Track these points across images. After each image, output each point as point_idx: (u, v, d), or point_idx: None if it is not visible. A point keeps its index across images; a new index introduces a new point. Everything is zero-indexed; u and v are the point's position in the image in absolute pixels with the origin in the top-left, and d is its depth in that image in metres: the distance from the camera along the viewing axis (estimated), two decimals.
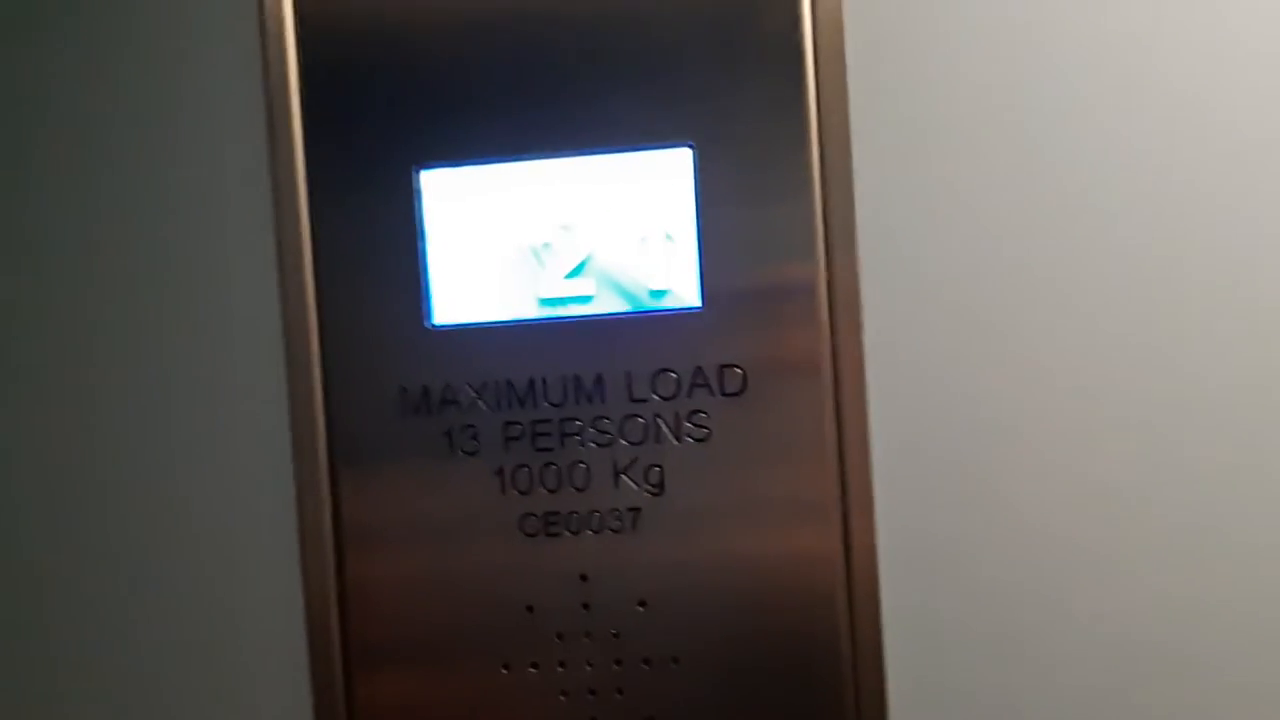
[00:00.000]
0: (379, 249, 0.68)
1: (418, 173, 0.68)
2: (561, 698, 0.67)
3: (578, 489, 0.67)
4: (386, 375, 0.68)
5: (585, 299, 0.67)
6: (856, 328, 0.66)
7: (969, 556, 0.66)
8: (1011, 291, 0.65)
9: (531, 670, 0.68)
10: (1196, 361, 0.64)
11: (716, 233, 0.66)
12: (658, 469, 0.67)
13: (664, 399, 0.67)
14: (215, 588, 0.71)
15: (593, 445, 0.67)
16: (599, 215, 0.67)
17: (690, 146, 0.66)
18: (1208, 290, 0.64)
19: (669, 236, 0.66)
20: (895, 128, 0.66)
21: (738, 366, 0.66)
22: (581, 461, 0.67)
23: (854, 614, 0.66)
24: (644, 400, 0.67)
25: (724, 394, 0.66)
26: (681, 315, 0.66)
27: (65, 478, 0.72)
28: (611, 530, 0.67)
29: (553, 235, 0.67)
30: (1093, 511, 0.65)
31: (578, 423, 0.67)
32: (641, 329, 0.67)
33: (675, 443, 0.66)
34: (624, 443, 0.67)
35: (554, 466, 0.67)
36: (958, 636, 0.66)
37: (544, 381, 0.67)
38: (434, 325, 0.68)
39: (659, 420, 0.67)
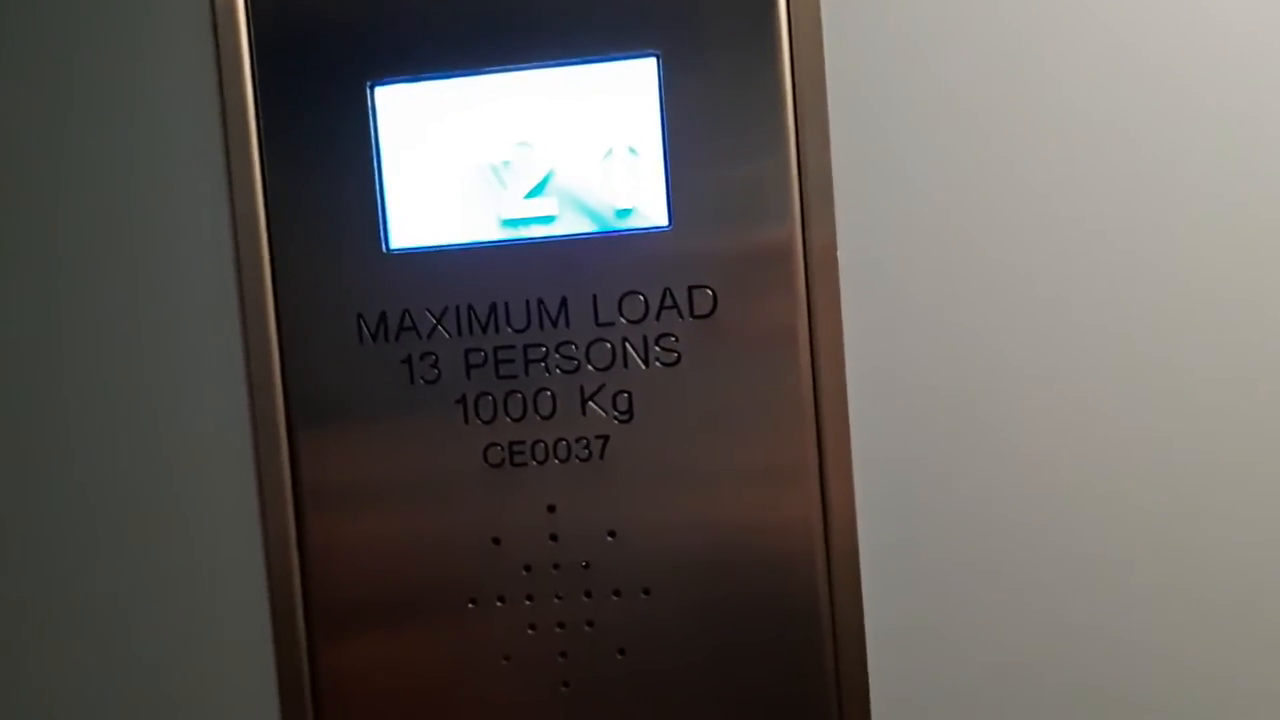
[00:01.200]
0: (332, 171, 0.65)
1: (372, 89, 0.65)
2: (529, 631, 0.66)
3: (543, 417, 0.65)
4: (343, 302, 0.65)
5: (547, 219, 0.64)
6: (830, 233, 0.63)
7: (947, 473, 0.64)
8: (996, 212, 0.62)
9: (498, 604, 0.66)
10: (1172, 294, 0.62)
11: (684, 147, 0.63)
12: (626, 395, 0.64)
13: (631, 322, 0.64)
14: (172, 524, 0.69)
15: (558, 372, 0.65)
16: (560, 131, 0.64)
17: (655, 56, 0.63)
18: (1193, 205, 0.61)
19: (634, 152, 0.64)
20: (869, 31, 0.63)
21: (708, 287, 0.63)
22: (546, 389, 0.65)
23: (830, 539, 0.64)
24: (610, 324, 0.64)
25: (694, 316, 0.64)
26: (648, 235, 0.64)
27: (3, 435, 0.69)
28: (579, 459, 0.65)
29: (512, 153, 0.64)
30: (1075, 447, 0.63)
31: (542, 348, 0.65)
32: (607, 250, 0.64)
33: (644, 367, 0.64)
34: (590, 368, 0.64)
35: (518, 394, 0.65)
36: (936, 559, 0.64)
37: (506, 306, 0.65)
38: (391, 250, 0.65)
39: (627, 344, 0.64)
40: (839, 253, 0.63)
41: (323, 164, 0.65)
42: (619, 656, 0.65)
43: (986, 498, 0.63)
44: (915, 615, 0.64)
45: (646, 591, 0.65)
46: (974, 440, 0.63)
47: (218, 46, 0.66)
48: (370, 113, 0.65)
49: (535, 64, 0.64)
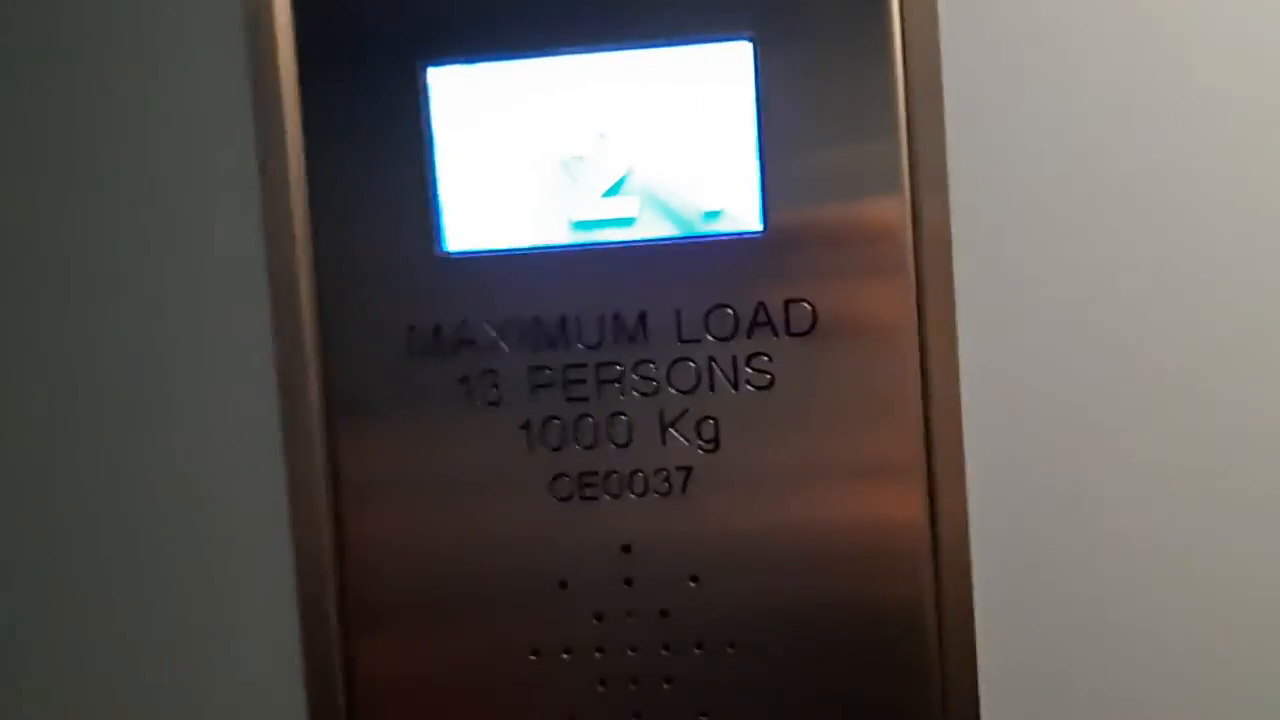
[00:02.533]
0: (381, 162, 0.58)
1: (425, 70, 0.57)
2: (600, 688, 0.58)
3: (618, 445, 0.57)
4: (392, 312, 0.58)
5: (626, 221, 0.57)
6: (946, 249, 0.56)
7: (1069, 525, 0.57)
8: (1129, 201, 0.55)
9: (565, 656, 0.58)
10: None
11: (780, 143, 0.56)
12: (712, 422, 0.57)
13: (719, 339, 0.57)
14: (201, 551, 0.61)
15: (635, 394, 0.57)
16: (641, 122, 0.56)
17: (750, 39, 0.55)
18: None
19: (725, 147, 0.56)
20: (989, 12, 0.56)
21: (805, 301, 0.56)
22: (622, 413, 0.57)
23: (940, 590, 0.57)
24: (695, 341, 0.57)
25: (789, 333, 0.56)
26: (739, 241, 0.56)
27: (32, 430, 0.62)
28: (658, 493, 0.57)
29: (586, 146, 0.57)
30: (1205, 477, 0.56)
31: (618, 367, 0.57)
32: (692, 257, 0.57)
33: (732, 391, 0.57)
34: (672, 391, 0.57)
35: (590, 419, 0.57)
36: (1056, 616, 0.57)
37: (577, 319, 0.57)
38: (446, 252, 0.57)
39: (713, 364, 0.57)
40: (955, 279, 0.56)
41: (370, 155, 0.58)
42: (701, 719, 0.57)
43: (1123, 549, 0.56)
44: (1035, 673, 0.57)
45: (733, 645, 0.57)
46: (1105, 458, 0.56)
47: (253, 24, 0.58)
48: (423, 98, 0.57)
49: (614, 45, 0.56)
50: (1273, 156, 0.55)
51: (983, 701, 0.57)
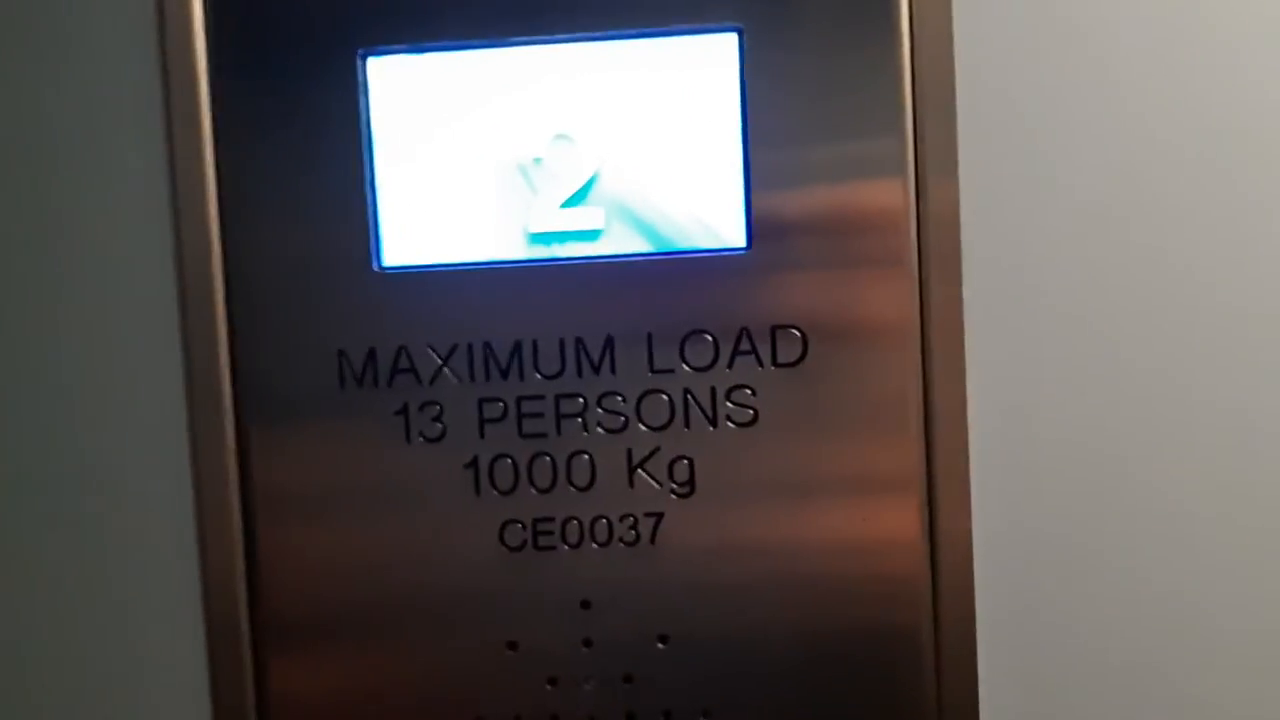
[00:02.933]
0: (310, 165, 0.50)
1: (363, 61, 0.50)
2: None
3: (579, 488, 0.51)
4: (321, 335, 0.51)
5: (591, 235, 0.50)
6: (954, 273, 0.50)
7: (1080, 558, 0.52)
8: (1152, 202, 0.50)
9: None
10: None
11: (770, 148, 0.49)
12: (686, 462, 0.50)
13: (696, 370, 0.50)
14: (106, 568, 0.54)
15: (599, 430, 0.51)
16: (608, 122, 0.50)
17: (737, 30, 0.49)
18: None
19: (706, 152, 0.50)
20: (1005, 5, 0.50)
21: (794, 328, 0.50)
22: (584, 452, 0.51)
23: (940, 649, 0.51)
24: (669, 371, 0.50)
25: (775, 364, 0.50)
26: (720, 259, 0.50)
27: None
28: (623, 543, 0.51)
29: (547, 148, 0.50)
30: (1224, 495, 0.51)
31: (579, 400, 0.51)
32: (666, 276, 0.50)
33: (710, 428, 0.50)
34: (642, 428, 0.51)
35: (547, 458, 0.51)
36: (1064, 649, 0.52)
37: (534, 345, 0.50)
38: (384, 268, 0.50)
39: (689, 398, 0.50)
40: (963, 294, 0.50)
41: (298, 158, 0.50)
42: None
43: (1136, 576, 0.51)
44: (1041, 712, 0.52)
45: (706, 714, 0.51)
46: (1121, 472, 0.51)
47: (161, 6, 0.51)
48: (360, 92, 0.50)
49: (578, 35, 0.50)
50: None
51: None
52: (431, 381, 0.51)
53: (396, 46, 0.50)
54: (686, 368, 0.50)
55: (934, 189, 0.49)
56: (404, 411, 0.51)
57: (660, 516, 0.51)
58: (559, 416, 0.51)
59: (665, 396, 0.50)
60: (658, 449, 0.51)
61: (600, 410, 0.51)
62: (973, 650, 0.51)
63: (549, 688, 0.51)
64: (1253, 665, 0.52)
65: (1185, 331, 0.51)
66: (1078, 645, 0.52)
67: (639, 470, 0.51)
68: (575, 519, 0.51)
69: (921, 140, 0.49)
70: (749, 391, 0.50)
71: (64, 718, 0.54)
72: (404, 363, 0.51)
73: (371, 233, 0.50)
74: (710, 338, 0.50)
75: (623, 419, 0.51)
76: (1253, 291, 0.50)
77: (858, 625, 0.51)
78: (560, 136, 0.50)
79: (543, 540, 0.51)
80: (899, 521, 0.50)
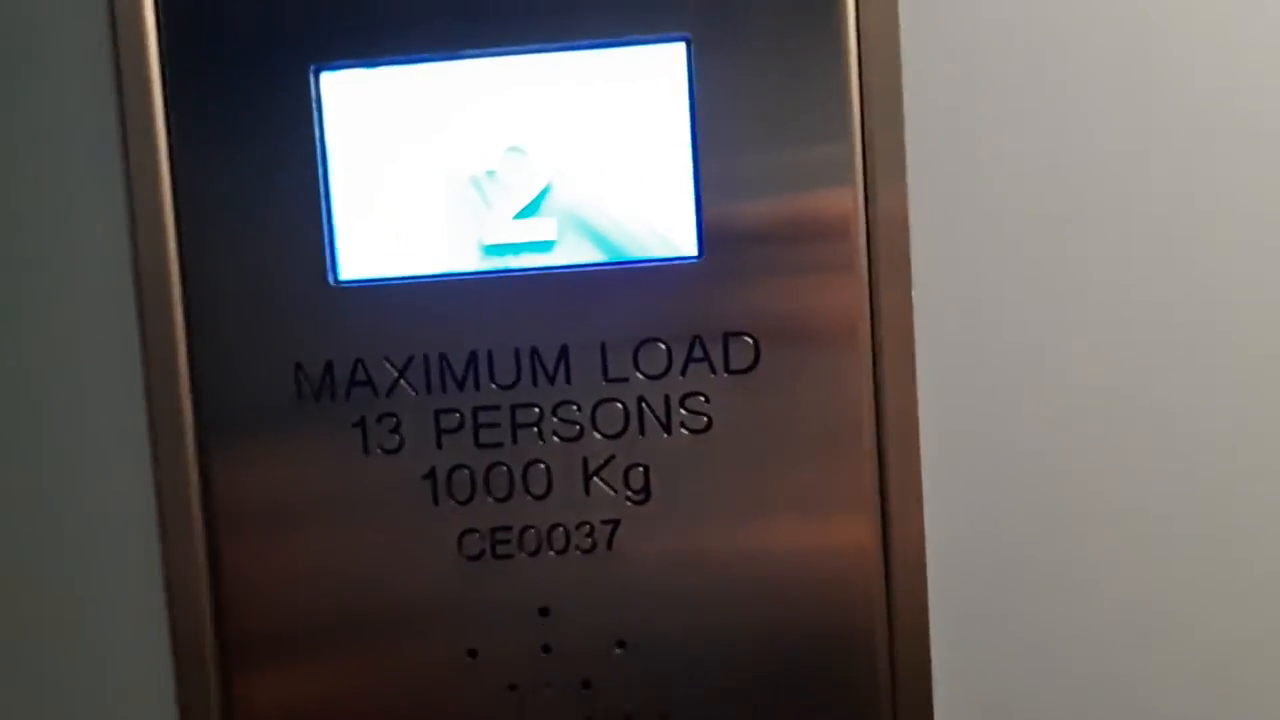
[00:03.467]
0: (265, 179, 0.51)
1: (316, 75, 0.50)
2: None
3: (536, 497, 0.51)
4: (277, 348, 0.51)
5: (544, 246, 0.51)
6: (904, 277, 0.50)
7: (1031, 562, 0.52)
8: (1099, 202, 0.51)
9: None
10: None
11: (720, 157, 0.50)
12: (641, 469, 0.51)
13: (649, 378, 0.51)
14: (70, 586, 0.54)
15: (555, 440, 0.51)
16: (560, 133, 0.50)
17: (685, 40, 0.49)
18: None
19: (656, 162, 0.50)
20: (952, 18, 0.50)
21: (747, 335, 0.50)
22: (540, 461, 0.51)
23: (893, 650, 0.51)
24: (623, 380, 0.51)
25: (729, 371, 0.50)
26: (672, 268, 0.50)
27: None
28: (580, 550, 0.51)
29: (500, 160, 0.50)
30: (1175, 503, 0.52)
31: (535, 410, 0.51)
32: (619, 285, 0.50)
33: (664, 435, 0.51)
34: (597, 436, 0.51)
35: (503, 468, 0.51)
36: (1018, 654, 0.52)
37: (489, 356, 0.51)
38: (340, 281, 0.51)
39: (643, 406, 0.51)
40: (913, 301, 0.50)
41: (251, 170, 0.51)
42: None
43: (1087, 580, 0.52)
44: (995, 705, 0.52)
45: (664, 717, 0.51)
46: (1073, 478, 0.52)
47: (114, 21, 0.51)
48: (315, 105, 0.50)
49: (530, 47, 0.50)
50: (1235, 148, 0.50)
51: None
52: (388, 393, 0.51)
53: (349, 61, 0.51)
54: (640, 376, 0.51)
55: (883, 194, 0.50)
56: (361, 424, 0.51)
57: (616, 523, 0.51)
58: (515, 426, 0.51)
59: (620, 405, 0.51)
60: (613, 457, 0.51)
61: (555, 419, 0.51)
62: (926, 654, 0.51)
63: (509, 693, 0.52)
64: (1203, 668, 0.52)
65: (1133, 335, 0.51)
66: (1030, 648, 0.52)
67: (595, 478, 0.51)
68: (533, 527, 0.51)
69: (870, 146, 0.50)
70: (702, 399, 0.51)
71: None
72: (360, 375, 0.51)
73: (327, 246, 0.51)
74: (663, 346, 0.50)
75: (578, 427, 0.51)
76: (1200, 295, 0.51)
77: (813, 629, 0.51)
78: (512, 149, 0.50)
79: (501, 549, 0.51)
80: (852, 527, 0.51)
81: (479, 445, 0.51)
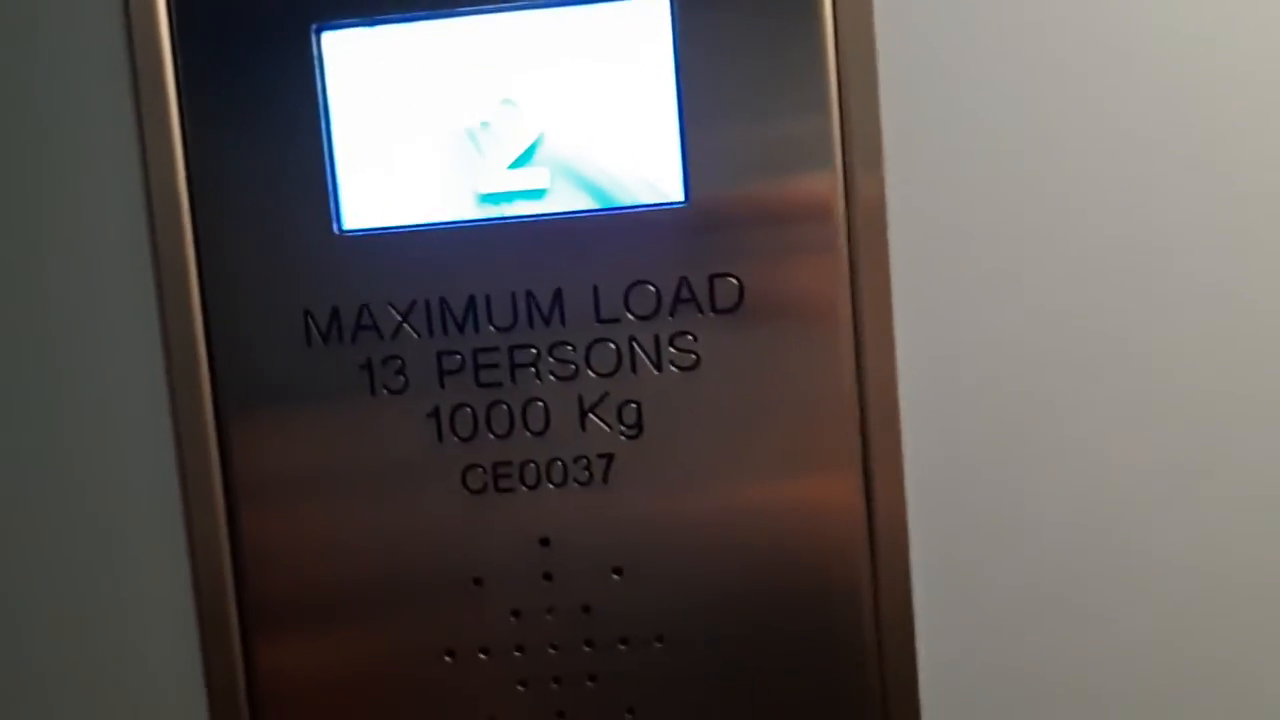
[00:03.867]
0: (270, 136, 0.53)
1: (318, 34, 0.53)
2: (520, 688, 0.55)
3: (534, 433, 0.54)
4: (286, 296, 0.54)
5: (537, 194, 0.53)
6: (880, 218, 0.53)
7: (1010, 509, 0.54)
8: (1074, 173, 0.53)
9: (481, 656, 0.55)
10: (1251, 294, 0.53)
11: (703, 106, 0.52)
12: (634, 406, 0.53)
13: (640, 318, 0.53)
14: (92, 554, 0.57)
15: (552, 379, 0.54)
16: (552, 86, 0.53)
17: None
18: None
19: (644, 113, 0.52)
20: None
21: (732, 276, 0.53)
22: (538, 399, 0.54)
23: (877, 569, 0.54)
24: (615, 321, 0.53)
25: (715, 311, 0.53)
26: (660, 213, 0.53)
27: None
28: (578, 483, 0.54)
29: (493, 113, 0.53)
30: (1146, 461, 0.54)
31: (532, 351, 0.54)
32: (609, 231, 0.53)
33: (655, 373, 0.53)
34: (591, 374, 0.54)
35: (503, 406, 0.54)
36: (996, 602, 0.55)
37: (487, 300, 0.53)
38: (344, 231, 0.53)
39: (634, 345, 0.53)
40: (889, 234, 0.53)
41: (258, 127, 0.53)
42: (628, 716, 0.55)
43: (1065, 534, 0.54)
44: (975, 660, 0.55)
45: (660, 639, 0.54)
46: (1044, 437, 0.54)
47: None
48: (317, 64, 0.53)
49: (522, 4, 0.52)
50: (1217, 126, 0.52)
51: (922, 690, 0.54)
52: (393, 337, 0.54)
53: (349, 20, 0.53)
54: (631, 316, 0.53)
55: (858, 139, 0.52)
56: (368, 366, 0.54)
57: (611, 457, 0.54)
58: (513, 366, 0.54)
59: (612, 344, 0.53)
60: (607, 394, 0.54)
61: (552, 359, 0.54)
62: (906, 571, 0.54)
63: (513, 620, 0.55)
64: (1181, 604, 0.54)
65: (1107, 295, 0.53)
66: (1008, 599, 0.55)
67: (590, 414, 0.54)
68: (532, 462, 0.54)
69: (847, 105, 0.52)
70: (691, 337, 0.53)
71: (66, 700, 0.58)
72: (366, 320, 0.54)
73: (331, 198, 0.53)
74: (653, 288, 0.53)
75: (573, 367, 0.54)
76: (1174, 255, 0.53)
77: (800, 554, 0.54)
78: (505, 102, 0.53)
79: (503, 482, 0.54)
80: (837, 453, 0.53)
81: (480, 385, 0.54)
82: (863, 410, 0.53)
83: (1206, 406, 0.53)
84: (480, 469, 0.54)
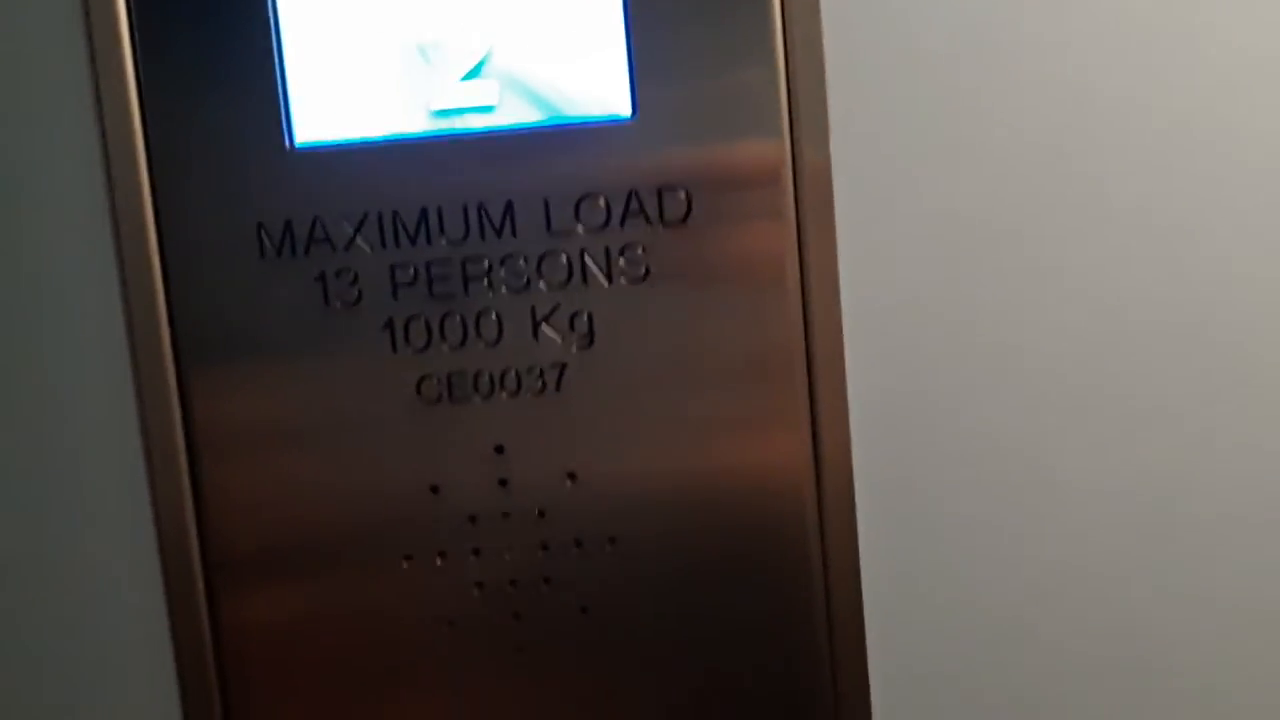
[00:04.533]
0: (222, 50, 0.53)
1: None
2: (475, 591, 0.57)
3: (487, 344, 0.55)
4: (239, 211, 0.54)
5: (487, 108, 0.54)
6: (822, 129, 0.54)
7: (953, 452, 0.57)
8: (1015, 131, 0.54)
9: (439, 561, 0.56)
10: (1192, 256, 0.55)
11: (651, 21, 0.53)
12: (585, 316, 0.55)
13: (590, 230, 0.54)
14: (45, 471, 0.57)
15: (504, 290, 0.55)
16: (500, 1, 0.53)
17: None
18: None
19: (591, 27, 0.53)
20: None
21: (680, 188, 0.54)
22: (490, 310, 0.55)
23: (822, 476, 0.56)
24: (566, 233, 0.54)
25: (664, 222, 0.54)
26: (608, 127, 0.54)
27: None
28: (531, 392, 0.55)
29: (444, 28, 0.53)
30: (1088, 425, 0.56)
31: (484, 262, 0.55)
32: (558, 144, 0.54)
33: (605, 284, 0.55)
34: (542, 286, 0.55)
35: (457, 317, 0.55)
36: (938, 501, 0.57)
37: (439, 212, 0.54)
38: (296, 145, 0.54)
39: (585, 257, 0.54)
40: (831, 141, 0.54)
41: (210, 45, 0.53)
42: (581, 615, 0.57)
43: (996, 443, 0.56)
44: (916, 566, 0.57)
45: (612, 540, 0.56)
46: (982, 378, 0.56)
47: None
48: None
49: None
50: (1168, 87, 0.54)
51: (866, 597, 0.57)
52: (346, 249, 0.54)
53: None
54: (581, 229, 0.54)
55: (800, 53, 0.53)
56: (321, 279, 0.55)
57: (564, 368, 0.55)
58: (466, 278, 0.55)
59: (563, 256, 0.54)
60: (558, 305, 0.55)
61: (504, 271, 0.55)
62: (849, 472, 0.56)
63: (469, 524, 0.56)
64: (1117, 527, 0.57)
65: (1046, 261, 0.55)
66: (955, 530, 0.57)
67: (542, 325, 0.55)
68: (486, 372, 0.55)
69: (789, 16, 0.53)
70: (640, 250, 0.54)
71: (30, 658, 0.58)
72: (319, 233, 0.54)
73: (283, 112, 0.54)
74: (602, 200, 0.54)
75: (525, 278, 0.55)
76: (1123, 222, 0.55)
77: (747, 459, 0.56)
78: (455, 15, 0.53)
79: (457, 392, 0.55)
80: (780, 360, 0.55)
81: (433, 296, 0.55)
82: (806, 310, 0.54)
83: (1160, 337, 0.56)
84: (435, 379, 0.55)
